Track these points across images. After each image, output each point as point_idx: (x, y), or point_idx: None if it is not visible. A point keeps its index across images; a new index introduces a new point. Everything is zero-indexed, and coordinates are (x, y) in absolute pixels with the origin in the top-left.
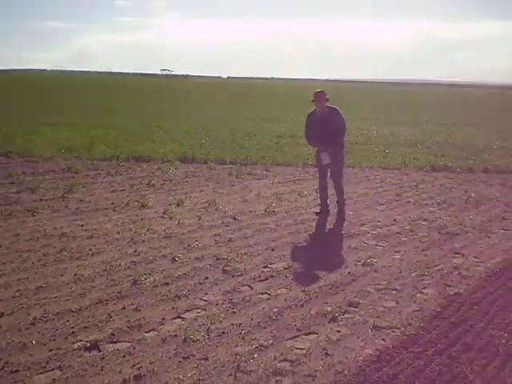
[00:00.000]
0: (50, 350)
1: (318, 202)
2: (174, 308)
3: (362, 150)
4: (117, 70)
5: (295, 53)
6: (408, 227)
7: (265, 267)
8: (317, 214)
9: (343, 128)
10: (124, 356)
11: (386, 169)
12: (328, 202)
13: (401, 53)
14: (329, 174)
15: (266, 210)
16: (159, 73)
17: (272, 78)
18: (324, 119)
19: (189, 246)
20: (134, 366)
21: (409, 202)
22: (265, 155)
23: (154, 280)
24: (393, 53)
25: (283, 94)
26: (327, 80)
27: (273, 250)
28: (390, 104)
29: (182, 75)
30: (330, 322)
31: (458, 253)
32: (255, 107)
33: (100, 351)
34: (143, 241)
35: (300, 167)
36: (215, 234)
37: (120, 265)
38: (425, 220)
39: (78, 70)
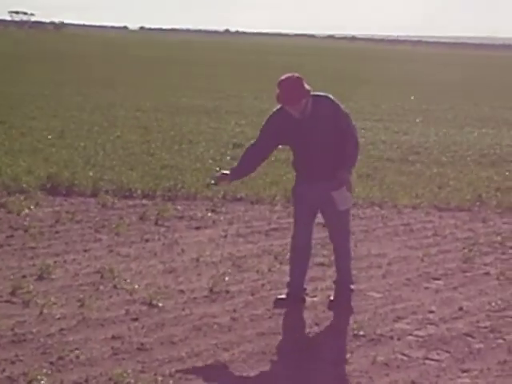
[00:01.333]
0: None
1: (287, 278)
2: None
3: (399, 172)
4: None
5: None
6: (487, 324)
7: None
8: (278, 303)
9: (352, 131)
10: None
11: (445, 210)
12: (305, 278)
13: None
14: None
15: (211, 290)
16: (7, 18)
17: (224, 32)
18: (310, 126)
19: (60, 359)
20: None
21: (488, 273)
22: (211, 181)
23: None
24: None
25: (242, 61)
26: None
27: (225, 367)
28: (438, 81)
29: (52, 23)
30: None
31: None
32: (192, 86)
33: None
34: None
35: (279, 205)
36: (113, 337)
37: None
38: None
39: None
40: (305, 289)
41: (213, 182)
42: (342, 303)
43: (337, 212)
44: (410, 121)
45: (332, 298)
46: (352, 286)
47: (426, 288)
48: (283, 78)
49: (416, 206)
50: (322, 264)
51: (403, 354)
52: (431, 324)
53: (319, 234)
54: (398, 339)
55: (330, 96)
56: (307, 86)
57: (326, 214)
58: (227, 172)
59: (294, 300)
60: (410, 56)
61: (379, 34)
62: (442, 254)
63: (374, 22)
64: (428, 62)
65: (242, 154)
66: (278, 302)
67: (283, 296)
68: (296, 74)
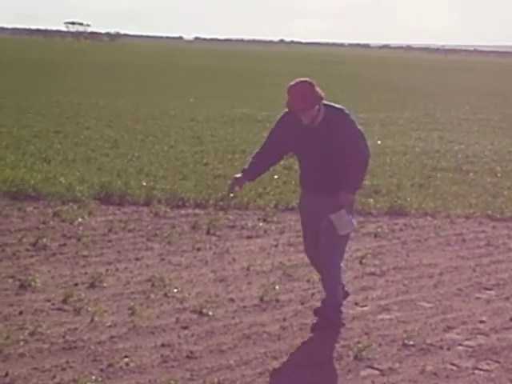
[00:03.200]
0: None
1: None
2: None
3: (453, 182)
4: None
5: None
6: None
7: None
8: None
9: (362, 150)
10: None
11: (499, 220)
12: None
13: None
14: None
15: (261, 299)
16: (63, 28)
17: (279, 42)
18: (317, 136)
19: (110, 366)
20: None
21: None
22: (262, 192)
23: None
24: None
25: (297, 71)
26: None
27: (274, 376)
28: (493, 90)
29: (108, 34)
30: None
31: None
32: (246, 96)
33: None
34: (22, 355)
35: None
36: (163, 345)
37: None
38: None
39: None
40: (346, 290)
41: (231, 194)
42: (322, 326)
43: (330, 227)
44: (465, 130)
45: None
46: (341, 308)
47: (478, 298)
48: (293, 83)
49: (469, 216)
50: (372, 273)
51: (453, 364)
52: (481, 334)
53: (371, 244)
54: (448, 349)
55: (345, 110)
56: (319, 92)
57: (322, 226)
58: (239, 175)
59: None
60: (465, 65)
61: (434, 44)
62: (494, 264)
63: (429, 31)
64: (483, 71)
65: (251, 157)
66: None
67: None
68: (307, 79)
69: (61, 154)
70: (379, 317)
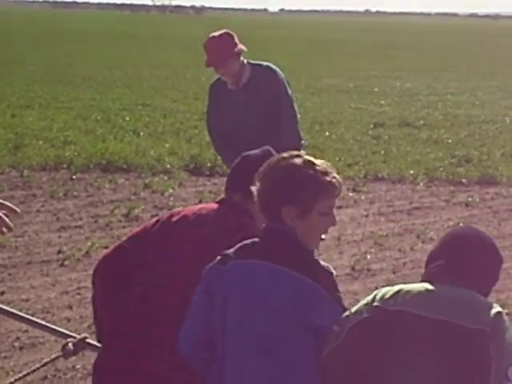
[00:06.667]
0: None
1: None
2: None
3: None
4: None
5: None
6: None
7: None
8: None
9: (292, 117)
10: None
11: None
12: None
13: None
14: None
15: (353, 268)
16: (149, 3)
17: (364, 12)
18: (243, 99)
19: None
20: None
21: None
22: (352, 162)
23: None
24: None
25: (382, 41)
26: None
27: None
28: None
29: (193, 7)
30: None
31: None
32: (332, 66)
33: None
34: None
35: (421, 184)
36: None
37: None
38: None
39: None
40: None
41: None
42: None
43: None
44: None
45: None
46: None
47: None
48: (209, 36)
49: None
50: None
51: None
52: None
53: (462, 213)
54: None
55: (273, 66)
56: (240, 45)
57: None
58: None
59: None
60: None
61: None
62: None
63: None
64: None
65: (222, 151)
66: None
67: None
68: (225, 30)
69: (149, 126)
70: None
